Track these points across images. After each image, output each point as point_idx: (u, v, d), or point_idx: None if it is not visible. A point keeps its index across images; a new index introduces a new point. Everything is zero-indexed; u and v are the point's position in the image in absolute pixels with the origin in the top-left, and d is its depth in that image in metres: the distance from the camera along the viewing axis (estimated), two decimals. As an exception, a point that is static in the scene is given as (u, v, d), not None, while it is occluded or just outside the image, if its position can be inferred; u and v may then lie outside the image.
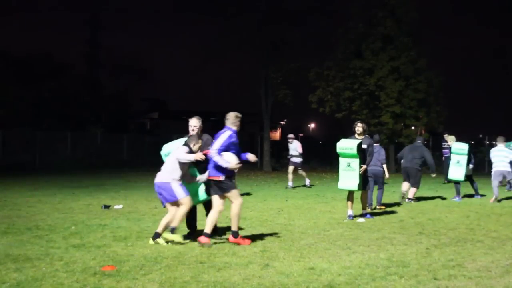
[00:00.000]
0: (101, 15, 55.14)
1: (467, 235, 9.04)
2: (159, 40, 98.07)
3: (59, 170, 25.47)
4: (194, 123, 8.94)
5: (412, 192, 14.26)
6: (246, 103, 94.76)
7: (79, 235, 8.73)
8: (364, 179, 11.03)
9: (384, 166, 13.40)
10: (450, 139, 15.85)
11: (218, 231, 8.86)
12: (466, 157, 14.95)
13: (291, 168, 18.96)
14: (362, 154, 10.89)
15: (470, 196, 15.72)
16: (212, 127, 16.30)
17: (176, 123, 47.83)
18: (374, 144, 12.53)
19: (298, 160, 18.90)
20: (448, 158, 20.53)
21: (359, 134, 11.23)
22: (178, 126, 47.47)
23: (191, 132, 8.81)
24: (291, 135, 19.65)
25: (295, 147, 18.96)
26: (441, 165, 22.75)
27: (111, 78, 44.58)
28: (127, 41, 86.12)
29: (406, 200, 14.15)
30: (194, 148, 8.32)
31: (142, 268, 6.47)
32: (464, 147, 15.13)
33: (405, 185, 14.35)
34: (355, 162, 10.77)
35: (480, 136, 39.23)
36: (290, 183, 18.83)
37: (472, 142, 24.08)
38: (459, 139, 16.77)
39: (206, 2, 33.96)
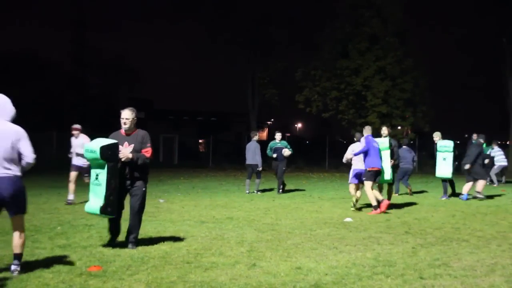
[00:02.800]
0: (87, 15, 54.80)
1: (453, 235, 9.09)
2: (146, 39, 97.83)
3: (44, 170, 25.28)
4: (126, 116, 7.74)
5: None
6: (234, 103, 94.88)
7: (65, 235, 8.67)
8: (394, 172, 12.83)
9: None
10: (436, 136, 15.86)
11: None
12: (451, 154, 15.06)
13: (73, 174, 13.30)
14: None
15: (456, 195, 15.81)
16: (199, 126, 16.32)
17: (162, 122, 47.74)
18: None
19: (85, 162, 12.46)
20: None
21: (384, 137, 12.79)
22: (164, 125, 47.46)
23: (123, 126, 7.73)
24: (76, 126, 13.60)
25: (81, 144, 12.37)
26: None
27: (97, 78, 44.32)
28: (113, 40, 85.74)
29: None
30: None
31: (129, 269, 6.44)
32: (449, 144, 15.22)
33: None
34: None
35: (466, 136, 39.47)
36: (70, 197, 13.29)
37: (458, 142, 24.29)
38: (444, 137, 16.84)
39: (194, 2, 33.94)
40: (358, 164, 12.45)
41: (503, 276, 6.29)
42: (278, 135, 17.25)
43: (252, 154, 16.64)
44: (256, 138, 17.09)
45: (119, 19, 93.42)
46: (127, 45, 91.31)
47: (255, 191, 16.61)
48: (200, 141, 45.66)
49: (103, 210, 7.35)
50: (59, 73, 40.89)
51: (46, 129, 31.50)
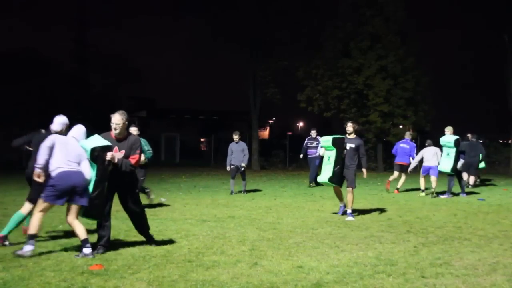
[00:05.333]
0: (89, 13, 54.82)
1: (455, 234, 9.09)
2: (148, 38, 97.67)
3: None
4: (117, 120, 7.49)
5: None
6: (235, 101, 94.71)
7: (67, 234, 8.68)
8: (340, 176, 11.11)
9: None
10: (448, 130, 15.91)
11: None
12: (454, 149, 15.09)
13: None
14: (340, 149, 11.07)
15: (457, 194, 15.81)
16: (200, 126, 16.27)
17: (164, 121, 47.71)
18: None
19: None
20: (316, 158, 18.18)
21: (349, 134, 11.38)
22: (166, 124, 47.42)
23: (113, 131, 7.51)
24: None
25: None
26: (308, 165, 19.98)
27: (99, 77, 44.30)
28: (115, 39, 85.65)
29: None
30: None
31: (130, 267, 6.44)
32: (450, 139, 15.20)
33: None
34: (332, 155, 11.06)
35: (468, 135, 39.34)
36: None
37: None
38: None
39: (197, 0, 33.91)
40: (430, 162, 15.57)
41: (504, 275, 6.28)
42: (132, 130, 11.51)
43: (239, 154, 16.01)
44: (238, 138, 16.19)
45: (121, 17, 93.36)
46: (129, 44, 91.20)
47: (242, 192, 16.15)
48: (201, 140, 45.64)
49: (86, 213, 7.14)
50: (60, 71, 40.89)
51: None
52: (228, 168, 16.28)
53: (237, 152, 16.08)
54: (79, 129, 7.47)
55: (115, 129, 7.49)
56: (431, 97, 31.84)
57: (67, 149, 7.11)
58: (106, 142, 7.31)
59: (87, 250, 6.98)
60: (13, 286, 5.66)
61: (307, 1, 33.07)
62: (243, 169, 16.04)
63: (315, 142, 18.55)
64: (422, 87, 30.66)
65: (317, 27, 32.58)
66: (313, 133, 19.13)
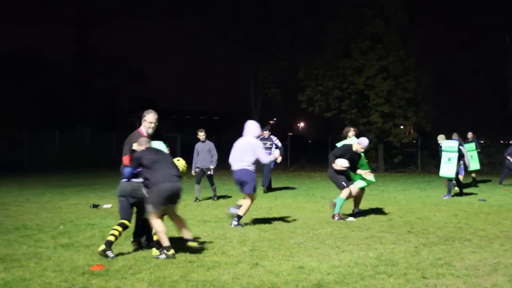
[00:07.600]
0: (90, 13, 54.88)
1: (456, 234, 9.08)
2: (149, 38, 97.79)
3: (47, 169, 25.33)
4: (154, 119, 7.54)
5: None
6: (236, 102, 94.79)
7: (68, 234, 8.69)
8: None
9: None
10: (440, 138, 16.12)
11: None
12: (456, 154, 15.14)
13: None
14: None
15: (459, 195, 15.80)
16: (201, 126, 16.16)
17: (165, 122, 47.74)
18: None
19: None
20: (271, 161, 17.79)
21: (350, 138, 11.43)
22: (167, 125, 47.47)
23: (147, 131, 7.51)
24: None
25: None
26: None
27: (100, 77, 44.41)
28: (116, 40, 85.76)
29: None
30: None
31: (131, 268, 6.45)
32: (453, 144, 15.31)
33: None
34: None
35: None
36: None
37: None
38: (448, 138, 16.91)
39: (197, 1, 33.95)
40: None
41: (505, 276, 6.28)
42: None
43: (206, 155, 14.77)
44: (203, 137, 14.94)
45: (122, 17, 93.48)
46: (130, 44, 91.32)
47: (212, 198, 14.68)
48: (202, 140, 45.52)
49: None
50: (62, 72, 40.98)
51: (49, 128, 31.54)
52: (193, 172, 14.74)
53: (203, 153, 14.68)
54: (250, 126, 10.15)
55: (151, 128, 7.47)
56: (432, 98, 31.86)
57: None
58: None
59: None
60: (14, 286, 5.67)
61: (308, 1, 33.09)
62: (210, 173, 14.57)
63: (269, 143, 17.00)
64: (423, 87, 30.64)
65: (318, 28, 32.61)
66: (266, 133, 17.21)
